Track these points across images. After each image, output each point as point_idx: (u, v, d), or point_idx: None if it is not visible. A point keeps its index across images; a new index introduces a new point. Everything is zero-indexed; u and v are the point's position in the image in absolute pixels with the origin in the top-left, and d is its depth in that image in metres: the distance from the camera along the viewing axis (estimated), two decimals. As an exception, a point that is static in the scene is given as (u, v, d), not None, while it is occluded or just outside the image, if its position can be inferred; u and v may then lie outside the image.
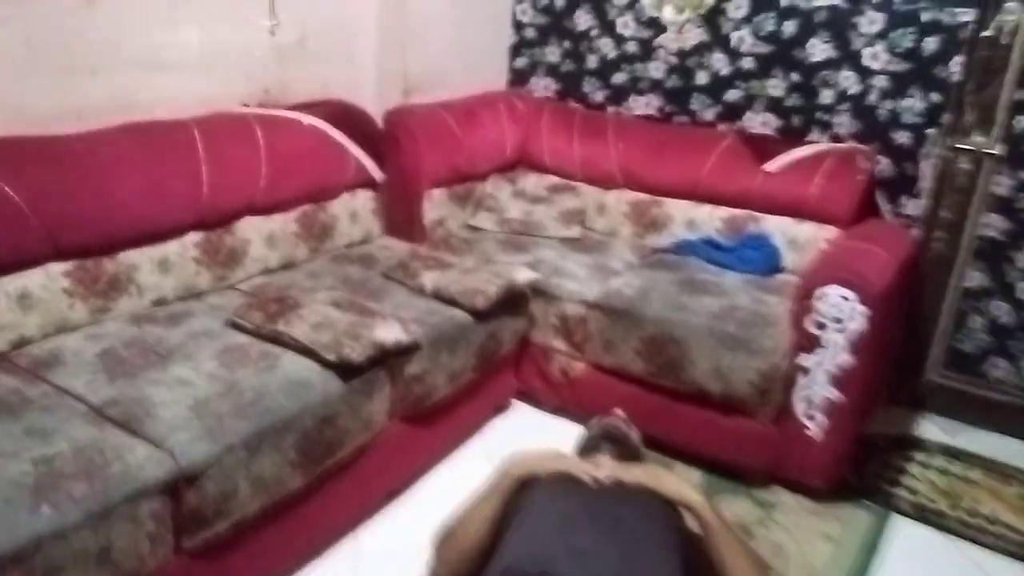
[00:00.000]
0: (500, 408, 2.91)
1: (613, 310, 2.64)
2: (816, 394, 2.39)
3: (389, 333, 2.11)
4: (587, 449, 1.99)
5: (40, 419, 1.63)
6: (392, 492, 2.38)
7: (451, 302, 2.49)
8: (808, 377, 2.39)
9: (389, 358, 2.15)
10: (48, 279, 2.02)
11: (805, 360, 2.39)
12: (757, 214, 3.02)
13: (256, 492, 1.78)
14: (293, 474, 1.88)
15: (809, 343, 2.37)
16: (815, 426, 2.41)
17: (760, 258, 2.87)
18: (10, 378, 1.79)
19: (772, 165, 2.98)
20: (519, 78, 3.77)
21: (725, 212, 3.09)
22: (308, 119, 2.72)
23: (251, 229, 2.53)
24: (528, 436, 2.71)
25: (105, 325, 2.08)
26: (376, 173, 2.95)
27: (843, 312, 2.30)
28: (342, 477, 2.10)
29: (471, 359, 2.48)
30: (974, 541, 2.41)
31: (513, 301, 2.64)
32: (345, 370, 2.00)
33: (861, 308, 2.28)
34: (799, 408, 2.43)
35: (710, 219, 3.11)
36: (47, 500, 1.40)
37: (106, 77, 2.28)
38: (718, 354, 2.43)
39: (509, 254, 2.95)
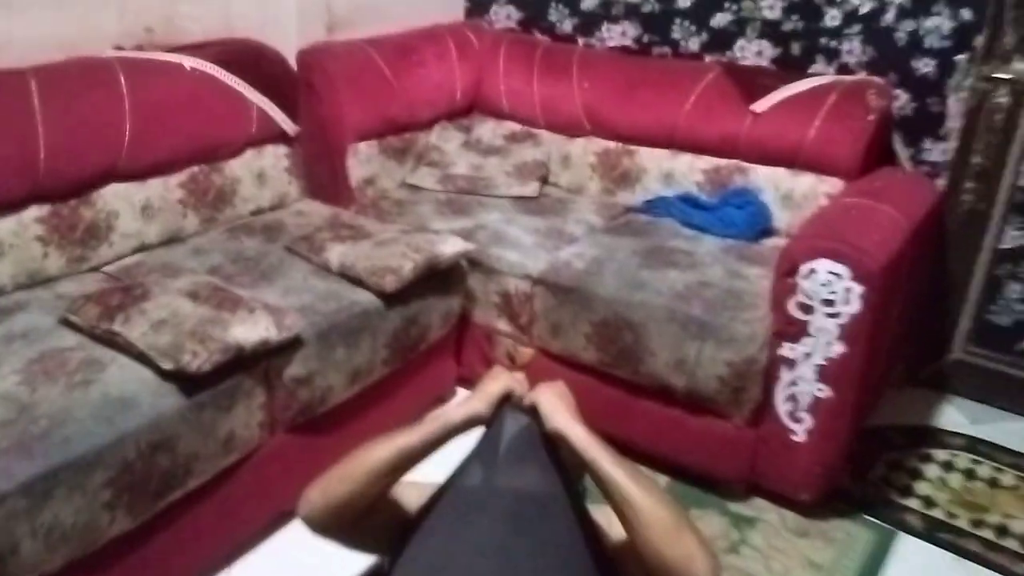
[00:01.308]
0: (441, 399, 2.50)
1: (560, 287, 2.18)
2: (802, 391, 1.93)
3: (251, 331, 1.69)
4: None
5: None
6: (287, 513, 1.99)
7: (358, 282, 2.06)
8: (792, 371, 1.93)
9: (260, 360, 1.74)
10: None
11: (788, 350, 1.92)
12: (745, 164, 2.51)
13: (54, 547, 1.39)
14: (113, 517, 1.49)
15: (793, 330, 1.90)
16: (801, 429, 1.95)
17: (744, 219, 2.37)
18: None
19: (763, 104, 2.45)
20: (478, 6, 3.24)
21: (707, 162, 2.58)
22: (192, 62, 2.26)
23: (117, 198, 2.10)
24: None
25: (-98, 327, 1.69)
26: (287, 125, 2.49)
27: (835, 292, 1.82)
28: (200, 508, 1.71)
29: (381, 351, 2.05)
30: (1001, 571, 1.95)
31: (441, 277, 2.20)
32: (186, 381, 1.59)
33: (857, 287, 1.79)
34: (781, 408, 1.97)
35: (690, 171, 2.61)
36: None
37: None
38: (681, 343, 1.98)
39: (446, 218, 2.50)
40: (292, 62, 2.55)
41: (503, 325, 2.36)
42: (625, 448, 2.15)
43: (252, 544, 1.92)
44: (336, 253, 2.12)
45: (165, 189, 2.21)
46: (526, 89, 2.88)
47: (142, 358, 1.62)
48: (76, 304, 1.75)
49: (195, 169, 2.28)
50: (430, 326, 2.22)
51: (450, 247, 2.19)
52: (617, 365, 2.11)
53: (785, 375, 1.94)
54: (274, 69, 2.49)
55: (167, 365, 1.58)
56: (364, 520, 1.35)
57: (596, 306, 2.10)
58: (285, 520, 1.97)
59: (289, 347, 1.80)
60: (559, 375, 2.24)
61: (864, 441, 2.30)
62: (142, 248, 2.17)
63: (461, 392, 2.56)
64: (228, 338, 1.64)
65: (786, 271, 1.89)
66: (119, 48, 2.24)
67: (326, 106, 2.51)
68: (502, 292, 2.31)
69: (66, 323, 1.73)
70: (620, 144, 2.73)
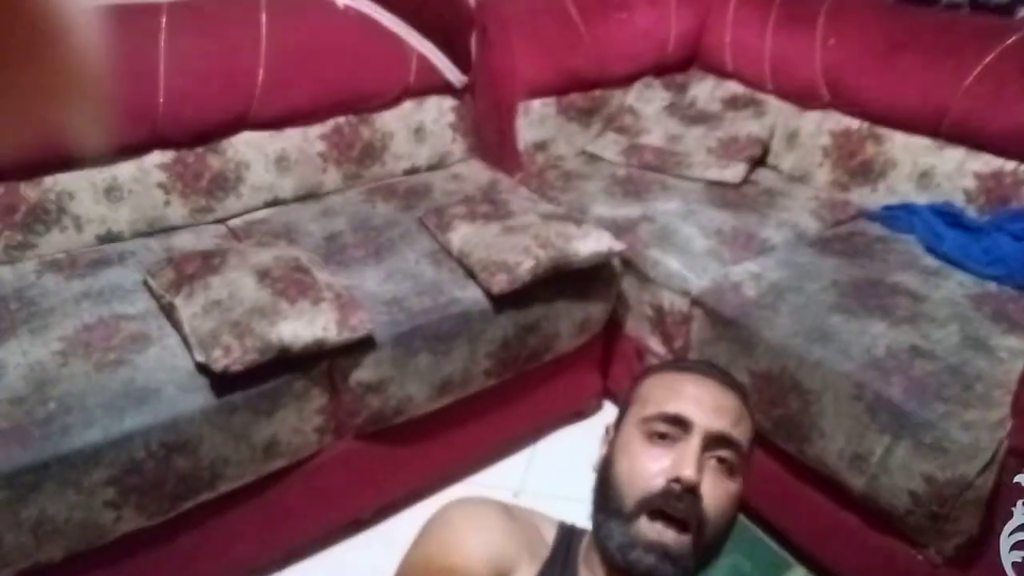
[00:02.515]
0: (580, 414, 2.12)
1: (718, 316, 1.67)
2: (1046, 544, 1.27)
3: (305, 328, 1.45)
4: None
5: None
6: (358, 522, 1.79)
7: (471, 275, 1.74)
8: (1034, 512, 1.27)
9: (319, 360, 1.51)
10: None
11: (1031, 481, 1.26)
12: (1043, 173, 1.73)
13: (47, 539, 1.29)
14: (119, 515, 1.36)
15: (1045, 453, 1.24)
16: (1035, 596, 1.30)
17: (1022, 254, 1.63)
18: None
19: (1088, 87, 1.64)
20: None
21: (985, 163, 1.82)
22: None
23: (249, 148, 1.97)
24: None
25: (6, 268, 1.70)
26: (454, 75, 2.19)
27: None
28: (241, 511, 1.54)
29: (483, 362, 1.72)
30: None
31: (578, 278, 1.79)
32: (218, 378, 1.40)
33: None
34: (1007, 557, 1.32)
35: (957, 173, 1.87)
36: None
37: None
38: (863, 432, 1.40)
39: (613, 201, 2.05)
40: (470, 1, 2.23)
41: (655, 344, 1.90)
42: (781, 539, 1.65)
43: (312, 551, 1.74)
44: (459, 235, 1.80)
45: (304, 140, 2.04)
46: (756, 42, 2.27)
47: (186, 343, 1.46)
48: (157, 266, 1.64)
49: (340, 120, 2.08)
50: (558, 335, 1.83)
51: (590, 244, 1.76)
52: (776, 434, 1.58)
53: (1020, 514, 1.28)
54: (443, 10, 2.17)
55: (199, 357, 1.40)
56: None
57: (758, 352, 1.57)
58: (354, 529, 1.77)
59: (357, 348, 1.54)
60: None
61: None
62: (275, 202, 2.03)
63: (608, 408, 2.16)
64: (271, 335, 1.42)
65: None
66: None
67: (497, 55, 2.15)
68: (656, 305, 1.84)
69: (145, 285, 1.64)
70: (866, 124, 2.04)
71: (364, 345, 1.55)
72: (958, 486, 1.29)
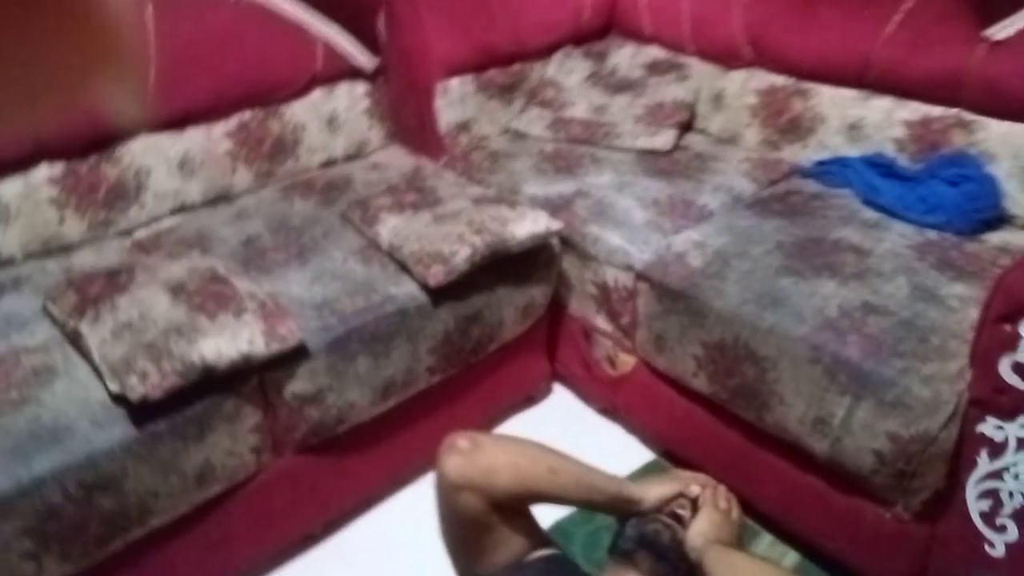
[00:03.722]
0: (531, 399, 2.06)
1: (665, 289, 1.62)
2: (1009, 489, 1.26)
3: (229, 344, 1.33)
4: (622, 554, 1.11)
5: None
6: (310, 537, 1.68)
7: (404, 268, 1.64)
8: (997, 459, 1.26)
9: (249, 376, 1.39)
10: None
11: (994, 429, 1.25)
12: (970, 116, 1.73)
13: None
14: (40, 566, 1.22)
15: (1005, 401, 1.22)
16: (1000, 541, 1.29)
17: (958, 200, 1.63)
18: None
19: (1005, 28, 1.64)
20: None
21: (913, 111, 1.81)
22: (239, -14, 1.88)
23: (148, 153, 1.81)
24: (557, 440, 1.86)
25: None
26: (364, 58, 2.07)
27: (1085, 355, 1.12)
28: (180, 542, 1.42)
29: (425, 359, 1.63)
30: None
31: (517, 262, 1.71)
32: (137, 407, 1.27)
33: None
34: (973, 506, 1.31)
35: (886, 123, 1.85)
36: None
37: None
38: (823, 395, 1.37)
39: (544, 178, 1.97)
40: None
41: (602, 322, 1.84)
42: (746, 509, 1.61)
43: (263, 573, 1.63)
44: (388, 227, 1.70)
45: (208, 140, 1.89)
46: (673, 3, 2.22)
47: (97, 372, 1.32)
48: (57, 290, 1.48)
49: (246, 115, 1.93)
50: (501, 323, 1.76)
51: (527, 226, 1.68)
52: (735, 403, 1.54)
53: (984, 463, 1.27)
54: (350, -12, 2.05)
55: (113, 387, 1.27)
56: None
57: (709, 323, 1.52)
58: (306, 546, 1.67)
59: (289, 359, 1.43)
60: (663, 397, 1.73)
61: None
62: (182, 208, 1.88)
63: (558, 391, 2.10)
64: (192, 355, 1.29)
65: (1005, 311, 1.20)
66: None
67: (407, 33, 2.04)
68: (600, 283, 1.78)
69: (45, 311, 1.48)
70: (792, 80, 2.02)
71: (296, 355, 1.44)
72: (922, 441, 1.27)
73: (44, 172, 1.68)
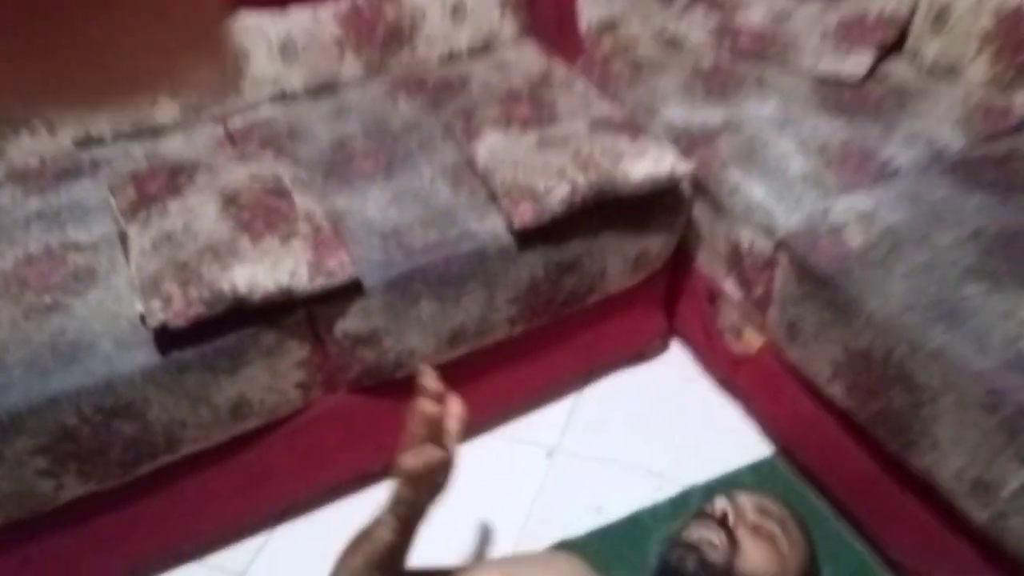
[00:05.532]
0: (641, 355, 1.79)
1: (807, 270, 1.26)
2: None
3: (267, 274, 1.17)
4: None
5: None
6: (369, 474, 1.56)
7: (493, 198, 1.39)
8: None
9: (294, 308, 1.24)
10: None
11: None
12: None
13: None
14: (59, 483, 1.17)
15: None
16: None
17: None
18: None
19: None
20: None
21: None
22: None
23: (249, 33, 1.64)
24: (664, 407, 1.62)
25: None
26: (499, -65, 1.76)
27: None
28: (216, 471, 1.34)
29: (503, 308, 1.40)
30: None
31: (633, 205, 1.42)
32: (162, 333, 1.15)
33: None
34: None
35: None
36: None
37: None
38: (991, 454, 1.01)
39: (691, 100, 1.62)
40: None
41: (731, 287, 1.51)
42: (872, 547, 1.32)
43: (317, 505, 1.54)
44: (487, 145, 1.45)
45: (314, 23, 1.69)
46: None
47: (132, 285, 1.21)
48: (120, 181, 1.38)
49: (358, -4, 1.71)
50: (604, 274, 1.48)
51: (646, 166, 1.37)
52: (874, 429, 1.20)
53: None
54: None
55: (139, 307, 1.16)
56: None
57: (858, 325, 1.17)
58: (363, 485, 1.55)
59: (340, 295, 1.25)
60: (791, 392, 1.41)
61: None
62: (281, 96, 1.72)
63: (675, 349, 1.82)
64: (222, 283, 1.14)
65: None
66: None
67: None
68: (732, 242, 1.45)
69: (108, 205, 1.39)
70: (1051, -2, 1.49)
71: (348, 291, 1.26)
72: None
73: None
